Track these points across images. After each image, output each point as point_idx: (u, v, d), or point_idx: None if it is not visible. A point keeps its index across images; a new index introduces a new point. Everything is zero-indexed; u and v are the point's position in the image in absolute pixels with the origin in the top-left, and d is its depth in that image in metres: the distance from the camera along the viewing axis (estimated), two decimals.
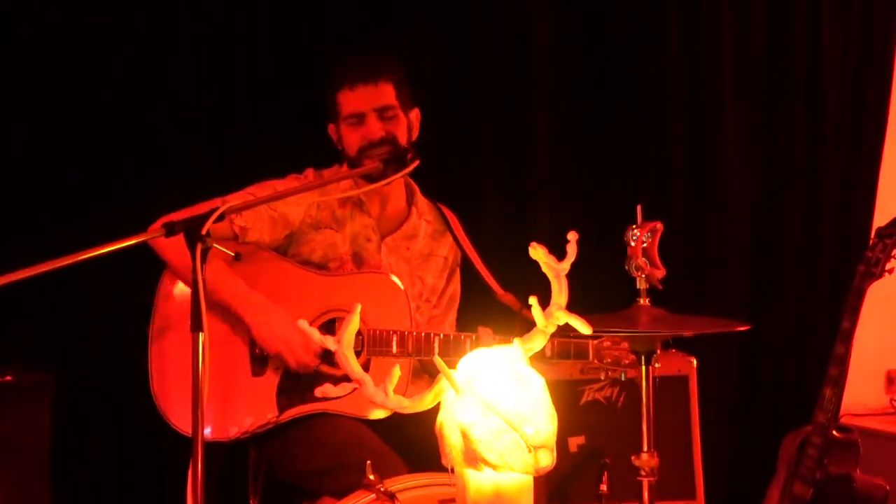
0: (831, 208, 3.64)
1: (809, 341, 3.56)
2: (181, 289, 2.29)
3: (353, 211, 2.48)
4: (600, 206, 3.25)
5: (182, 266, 2.22)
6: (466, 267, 2.62)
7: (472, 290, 2.64)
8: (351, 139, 2.43)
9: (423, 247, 2.57)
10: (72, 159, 2.77)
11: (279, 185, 2.40)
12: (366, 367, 2.27)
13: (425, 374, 2.47)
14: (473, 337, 2.28)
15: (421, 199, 2.61)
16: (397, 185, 2.51)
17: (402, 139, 2.44)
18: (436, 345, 2.26)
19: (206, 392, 1.76)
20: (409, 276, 2.49)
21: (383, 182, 2.34)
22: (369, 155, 2.39)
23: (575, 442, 2.72)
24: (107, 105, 2.80)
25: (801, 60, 3.59)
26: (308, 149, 2.87)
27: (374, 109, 2.41)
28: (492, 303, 2.48)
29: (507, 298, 2.46)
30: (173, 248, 2.20)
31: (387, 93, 2.43)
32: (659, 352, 1.88)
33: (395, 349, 2.27)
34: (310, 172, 2.50)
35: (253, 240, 2.35)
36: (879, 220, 2.89)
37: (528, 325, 2.12)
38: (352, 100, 2.42)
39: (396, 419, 2.12)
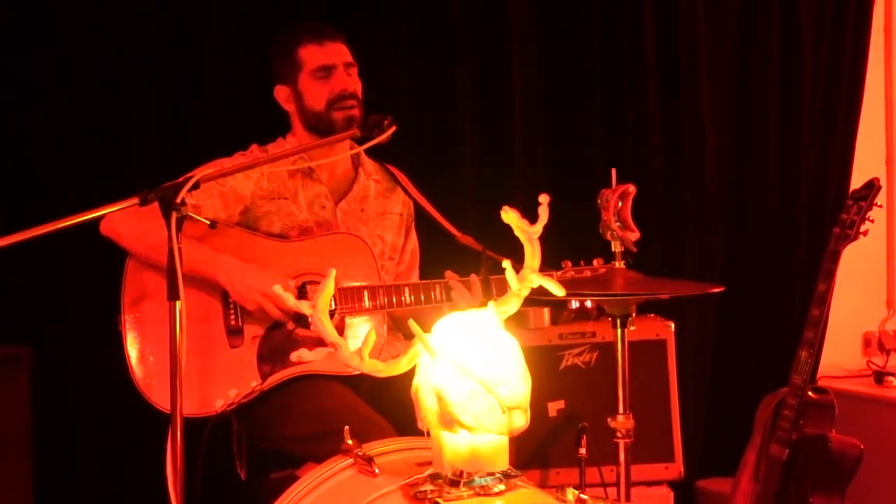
0: (808, 171, 3.66)
1: (787, 305, 3.59)
2: (145, 275, 2.27)
3: (303, 181, 2.48)
4: (579, 173, 3.25)
5: (143, 248, 2.24)
6: (423, 220, 2.63)
7: (432, 242, 2.65)
8: (319, 93, 2.45)
9: (376, 206, 2.58)
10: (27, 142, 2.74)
11: (226, 162, 2.37)
12: (340, 328, 2.28)
13: (399, 332, 2.49)
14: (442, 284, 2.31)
15: (367, 161, 2.61)
16: (342, 148, 2.51)
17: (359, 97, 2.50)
18: (406, 294, 2.29)
19: (184, 361, 1.76)
20: (368, 236, 2.50)
21: (357, 149, 2.35)
22: (339, 108, 2.43)
23: (555, 406, 2.75)
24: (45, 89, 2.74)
25: (776, 27, 3.59)
26: (250, 124, 2.80)
27: (343, 63, 2.47)
28: (453, 249, 2.48)
29: (466, 240, 2.48)
30: (131, 235, 2.23)
31: (348, 51, 2.50)
32: (635, 315, 1.90)
33: (367, 303, 2.29)
34: (254, 148, 2.49)
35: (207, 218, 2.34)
36: (856, 183, 2.90)
37: (493, 263, 2.15)
38: (320, 53, 2.46)
39: (382, 383, 2.12)
